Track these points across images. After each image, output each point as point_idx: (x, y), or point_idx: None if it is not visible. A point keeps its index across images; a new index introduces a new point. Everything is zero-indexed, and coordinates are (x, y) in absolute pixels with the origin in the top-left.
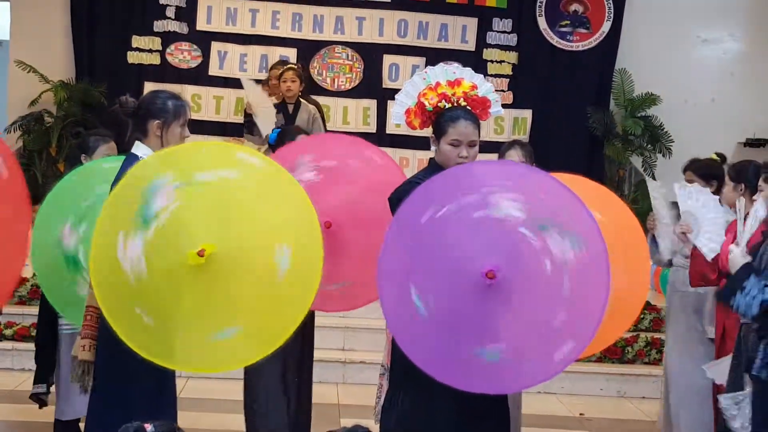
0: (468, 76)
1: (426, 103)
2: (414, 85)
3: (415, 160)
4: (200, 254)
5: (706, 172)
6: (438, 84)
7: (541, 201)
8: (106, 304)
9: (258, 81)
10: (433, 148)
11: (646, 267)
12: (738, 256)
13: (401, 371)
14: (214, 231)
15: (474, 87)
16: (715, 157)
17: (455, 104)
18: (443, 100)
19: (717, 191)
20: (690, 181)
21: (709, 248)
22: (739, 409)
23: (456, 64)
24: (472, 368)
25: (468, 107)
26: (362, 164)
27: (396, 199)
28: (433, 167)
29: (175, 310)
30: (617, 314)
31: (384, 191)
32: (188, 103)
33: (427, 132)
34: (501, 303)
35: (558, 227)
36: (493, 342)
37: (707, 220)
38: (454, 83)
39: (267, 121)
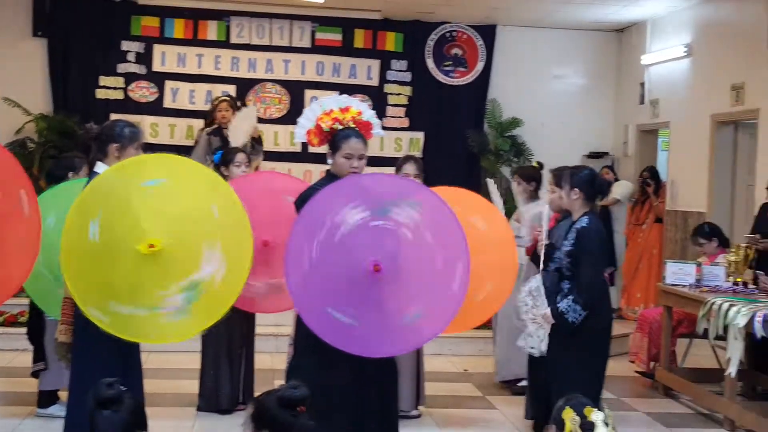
0: (355, 104)
1: (323, 125)
2: (312, 111)
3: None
4: (150, 246)
5: (529, 175)
6: (332, 110)
7: (373, 194)
8: (76, 292)
9: (206, 111)
10: (329, 161)
11: (513, 252)
12: (549, 318)
13: (301, 342)
14: (160, 226)
15: (360, 113)
16: (535, 164)
17: (346, 126)
18: (336, 123)
19: (535, 189)
20: (518, 183)
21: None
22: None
23: (345, 95)
24: (406, 333)
25: (356, 128)
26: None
27: (300, 202)
28: (330, 176)
29: (131, 293)
30: (496, 290)
31: None
32: (142, 130)
33: (325, 149)
34: (398, 279)
35: (395, 203)
36: (411, 306)
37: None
38: (344, 110)
39: (236, 136)
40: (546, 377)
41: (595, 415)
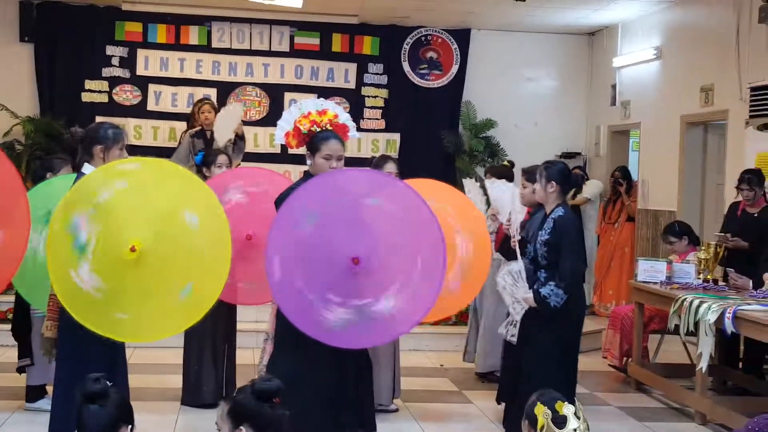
0: (331, 107)
1: (301, 127)
2: (291, 114)
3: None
4: (132, 249)
5: (500, 173)
6: (309, 113)
7: (351, 188)
8: (80, 316)
9: (188, 114)
10: (308, 162)
11: (486, 242)
12: (530, 298)
13: (282, 337)
14: (141, 229)
15: (336, 116)
16: (506, 163)
17: (324, 128)
18: (314, 125)
19: None
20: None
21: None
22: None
23: (322, 99)
24: (380, 324)
25: (333, 130)
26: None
27: (279, 201)
28: (308, 177)
29: (117, 290)
30: (470, 277)
31: None
32: (125, 131)
33: (303, 150)
34: (375, 271)
35: (373, 197)
36: (386, 298)
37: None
38: (322, 112)
39: (222, 134)
40: (517, 362)
41: (566, 409)
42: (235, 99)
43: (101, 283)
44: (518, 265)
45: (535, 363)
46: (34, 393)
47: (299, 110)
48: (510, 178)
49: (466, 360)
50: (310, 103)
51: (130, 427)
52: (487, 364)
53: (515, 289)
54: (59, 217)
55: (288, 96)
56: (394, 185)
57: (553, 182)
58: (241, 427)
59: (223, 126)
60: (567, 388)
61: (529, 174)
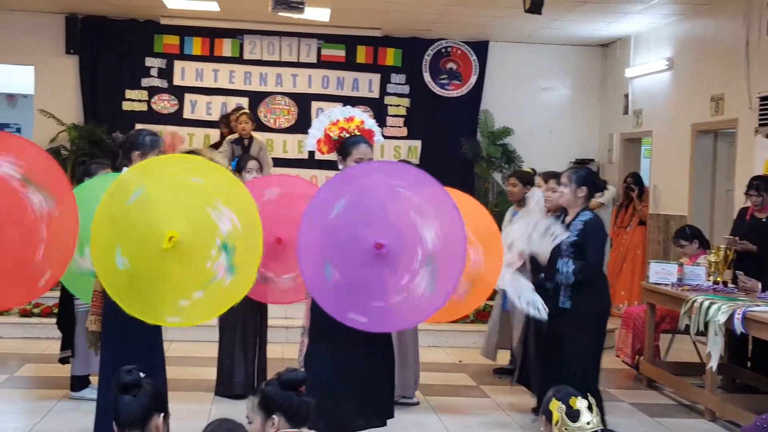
0: (358, 114)
1: (331, 134)
2: (320, 122)
3: None
4: (169, 240)
5: (524, 178)
6: (338, 120)
7: (397, 180)
8: (119, 297)
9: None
10: (340, 167)
11: (499, 259)
12: (546, 255)
13: (317, 330)
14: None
15: (362, 122)
16: (530, 170)
17: (352, 134)
18: (343, 131)
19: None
20: (514, 185)
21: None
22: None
23: (349, 106)
24: (385, 312)
25: (362, 135)
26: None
27: None
28: None
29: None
30: (477, 290)
31: None
32: (162, 138)
33: (334, 156)
34: (394, 264)
35: (414, 191)
36: (396, 292)
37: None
38: (349, 119)
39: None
40: (540, 354)
41: (580, 403)
42: (266, 107)
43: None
44: (552, 223)
45: (568, 356)
46: (78, 383)
47: (328, 118)
48: (531, 183)
49: (484, 355)
50: (337, 111)
51: (162, 415)
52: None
53: (534, 239)
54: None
55: (315, 105)
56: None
57: (584, 187)
58: (273, 416)
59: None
60: (595, 377)
61: (558, 177)
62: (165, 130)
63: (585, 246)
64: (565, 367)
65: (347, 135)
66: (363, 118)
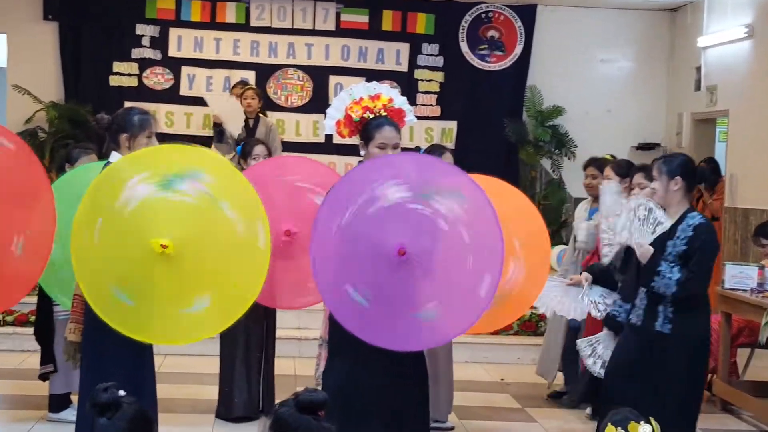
0: (385, 91)
1: (353, 115)
2: (341, 100)
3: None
4: (163, 246)
5: (625, 171)
6: (361, 98)
7: (419, 175)
8: (86, 287)
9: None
10: (361, 152)
11: (541, 275)
12: (648, 249)
13: (337, 342)
14: (176, 223)
15: (391, 100)
16: (609, 156)
17: (377, 114)
18: (367, 112)
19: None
20: (594, 176)
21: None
22: (593, 350)
23: (375, 82)
24: (417, 330)
25: (388, 116)
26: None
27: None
28: None
29: (146, 290)
30: (503, 308)
31: None
32: (154, 117)
33: (356, 140)
34: (421, 269)
35: (438, 190)
36: (426, 303)
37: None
38: (375, 97)
39: (236, 124)
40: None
41: (642, 429)
42: (276, 83)
43: (116, 254)
44: (654, 205)
45: (664, 391)
46: (57, 402)
47: (350, 96)
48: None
49: (540, 373)
50: (361, 88)
51: None
52: (548, 372)
53: (634, 226)
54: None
55: (333, 80)
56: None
57: (679, 178)
58: None
59: (230, 118)
60: (694, 419)
61: (648, 170)
62: (158, 109)
63: (692, 257)
64: (657, 405)
65: (371, 116)
66: (391, 95)
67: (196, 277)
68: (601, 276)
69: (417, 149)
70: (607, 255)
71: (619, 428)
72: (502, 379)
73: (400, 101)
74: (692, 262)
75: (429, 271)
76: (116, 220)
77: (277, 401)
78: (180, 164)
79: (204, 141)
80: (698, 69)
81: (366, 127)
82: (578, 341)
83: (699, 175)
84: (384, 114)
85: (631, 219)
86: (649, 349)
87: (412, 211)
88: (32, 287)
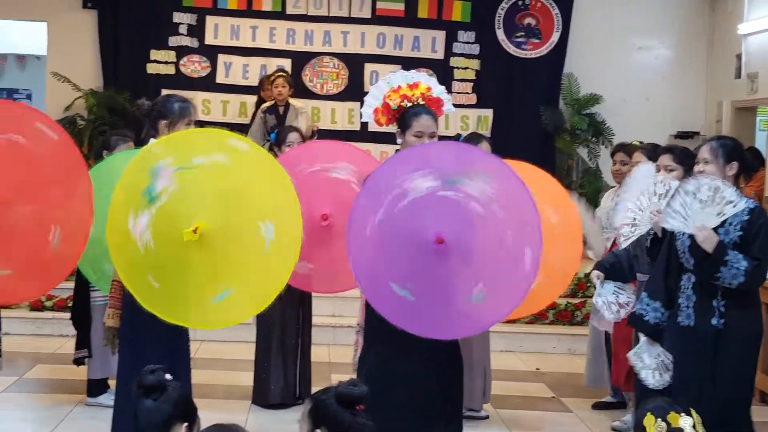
0: (423, 79)
1: (390, 103)
2: (379, 88)
3: (393, 153)
4: (194, 231)
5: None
6: (399, 87)
7: (443, 163)
8: (124, 273)
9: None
10: (398, 141)
11: (578, 242)
12: (713, 235)
13: (372, 329)
14: (208, 209)
15: (429, 89)
16: (637, 143)
17: (415, 103)
18: (405, 100)
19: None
20: (623, 162)
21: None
22: (642, 360)
23: (414, 70)
24: (467, 315)
25: (426, 105)
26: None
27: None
28: None
29: (180, 277)
30: (559, 272)
31: None
32: (193, 105)
33: (393, 128)
34: (461, 254)
35: (467, 174)
36: (472, 287)
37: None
38: (413, 86)
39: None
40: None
41: (683, 421)
42: (311, 71)
43: (151, 244)
44: (717, 182)
45: (719, 390)
46: (95, 387)
47: (388, 84)
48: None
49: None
50: (399, 77)
51: (186, 425)
52: (594, 380)
53: (695, 210)
54: (149, 153)
55: (369, 67)
56: (494, 165)
57: (736, 163)
58: (317, 431)
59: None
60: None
61: (674, 152)
62: (195, 97)
63: (752, 244)
64: (715, 403)
65: (409, 104)
66: (430, 84)
67: (225, 265)
68: (612, 270)
69: (458, 137)
70: (628, 237)
71: (659, 419)
72: (537, 369)
73: (439, 90)
74: (755, 248)
75: (470, 255)
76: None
77: (313, 388)
78: (218, 152)
79: (240, 128)
80: (739, 57)
81: (403, 116)
82: (629, 355)
83: (753, 163)
84: (422, 103)
85: (687, 202)
86: (704, 348)
87: (444, 198)
88: (69, 273)
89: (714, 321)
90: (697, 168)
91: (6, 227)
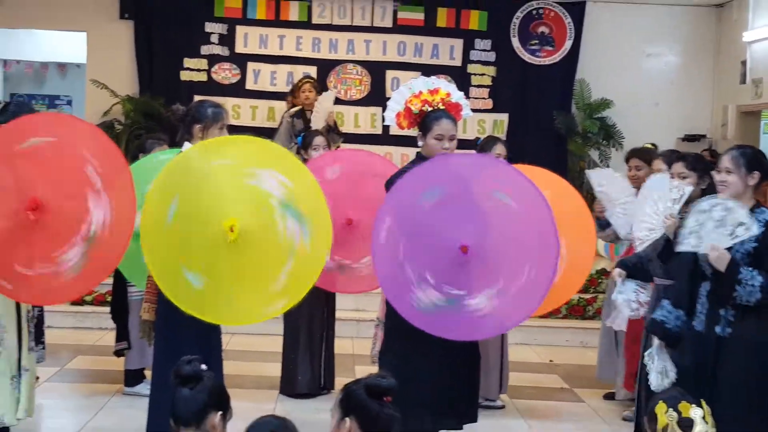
0: (443, 85)
1: (412, 107)
2: (401, 93)
3: (413, 156)
4: (231, 230)
5: (645, 155)
6: (420, 92)
7: (463, 174)
8: (156, 269)
9: (287, 92)
10: (419, 143)
11: (591, 235)
12: (725, 255)
13: (392, 324)
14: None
15: (449, 94)
16: (650, 145)
17: (435, 107)
18: (426, 105)
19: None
20: (638, 167)
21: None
22: (652, 361)
23: (434, 77)
24: (482, 320)
25: (446, 109)
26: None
27: (389, 184)
28: (420, 159)
29: (215, 271)
30: (572, 271)
31: None
32: (226, 110)
33: (414, 132)
34: (484, 262)
35: (485, 184)
36: (488, 293)
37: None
38: (433, 91)
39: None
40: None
41: (694, 412)
42: (336, 77)
43: (186, 235)
44: (684, 191)
45: (727, 402)
46: (132, 377)
47: (410, 90)
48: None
49: (599, 377)
50: (420, 82)
51: (220, 413)
52: (607, 375)
53: (708, 229)
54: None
55: (390, 74)
56: (511, 174)
57: (758, 173)
58: (346, 419)
59: (318, 112)
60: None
61: (687, 160)
62: (226, 102)
63: (767, 256)
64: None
65: (430, 109)
66: (449, 90)
67: (255, 266)
68: (634, 269)
69: (476, 140)
70: (644, 240)
71: (670, 409)
72: (550, 361)
73: (458, 96)
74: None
75: (490, 263)
76: (191, 203)
77: (336, 379)
78: (257, 158)
79: (268, 132)
80: (744, 63)
81: (424, 119)
82: (645, 353)
83: None
84: (442, 107)
85: (701, 221)
86: (705, 354)
87: (469, 209)
88: (114, 269)
89: (718, 329)
90: (718, 177)
91: (48, 226)
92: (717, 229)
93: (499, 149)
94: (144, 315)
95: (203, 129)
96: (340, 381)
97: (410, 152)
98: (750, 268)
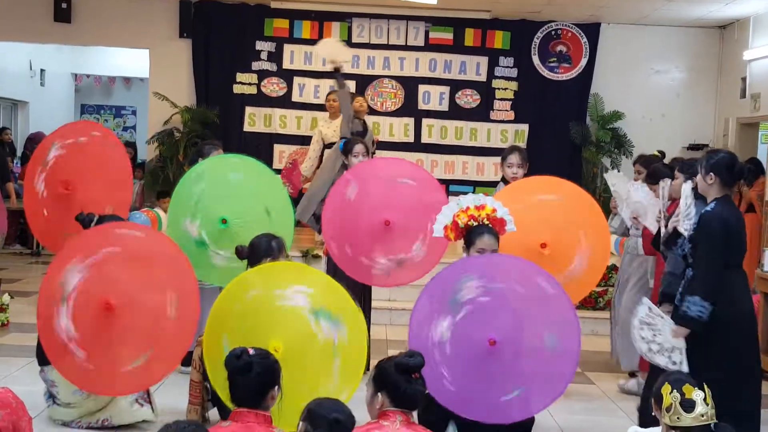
0: (489, 202)
1: (459, 221)
2: (450, 208)
3: (442, 163)
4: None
5: (650, 163)
6: (468, 207)
7: (497, 273)
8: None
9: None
10: (464, 255)
11: (606, 240)
12: (681, 330)
13: None
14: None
15: (494, 210)
16: (656, 153)
17: (481, 222)
18: (472, 219)
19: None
20: (639, 172)
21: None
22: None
23: (481, 194)
24: (509, 407)
25: (490, 225)
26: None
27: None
28: None
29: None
30: (591, 269)
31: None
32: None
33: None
34: (510, 354)
35: (516, 283)
36: (514, 383)
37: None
38: (480, 207)
39: (345, 57)
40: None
41: (696, 394)
42: (373, 91)
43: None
44: (643, 308)
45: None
46: (188, 357)
47: (458, 205)
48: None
49: (614, 358)
50: (468, 199)
51: (277, 387)
52: (633, 363)
53: (660, 337)
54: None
55: (422, 88)
56: (541, 277)
57: (713, 174)
58: (378, 394)
59: (340, 55)
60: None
61: (685, 165)
62: (273, 113)
63: (698, 245)
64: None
65: (475, 223)
66: (495, 206)
67: (308, 373)
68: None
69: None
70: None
71: (675, 390)
72: None
73: (503, 212)
74: (695, 266)
75: (517, 354)
76: (238, 339)
77: (372, 362)
78: (277, 280)
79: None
80: (743, 79)
81: (469, 234)
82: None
83: (742, 173)
84: (487, 222)
85: (651, 331)
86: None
87: (498, 306)
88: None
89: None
90: (696, 178)
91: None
92: (657, 328)
93: (513, 159)
94: (188, 416)
95: None
96: (375, 363)
97: (439, 159)
98: (682, 299)
